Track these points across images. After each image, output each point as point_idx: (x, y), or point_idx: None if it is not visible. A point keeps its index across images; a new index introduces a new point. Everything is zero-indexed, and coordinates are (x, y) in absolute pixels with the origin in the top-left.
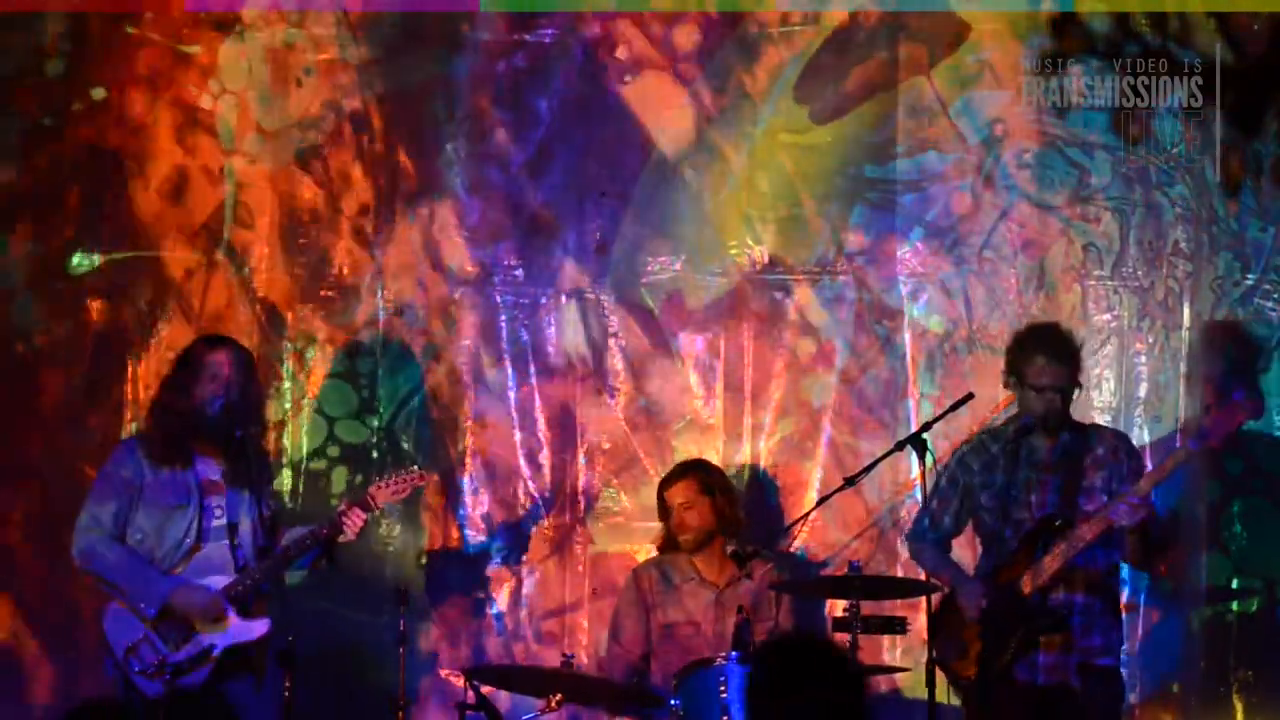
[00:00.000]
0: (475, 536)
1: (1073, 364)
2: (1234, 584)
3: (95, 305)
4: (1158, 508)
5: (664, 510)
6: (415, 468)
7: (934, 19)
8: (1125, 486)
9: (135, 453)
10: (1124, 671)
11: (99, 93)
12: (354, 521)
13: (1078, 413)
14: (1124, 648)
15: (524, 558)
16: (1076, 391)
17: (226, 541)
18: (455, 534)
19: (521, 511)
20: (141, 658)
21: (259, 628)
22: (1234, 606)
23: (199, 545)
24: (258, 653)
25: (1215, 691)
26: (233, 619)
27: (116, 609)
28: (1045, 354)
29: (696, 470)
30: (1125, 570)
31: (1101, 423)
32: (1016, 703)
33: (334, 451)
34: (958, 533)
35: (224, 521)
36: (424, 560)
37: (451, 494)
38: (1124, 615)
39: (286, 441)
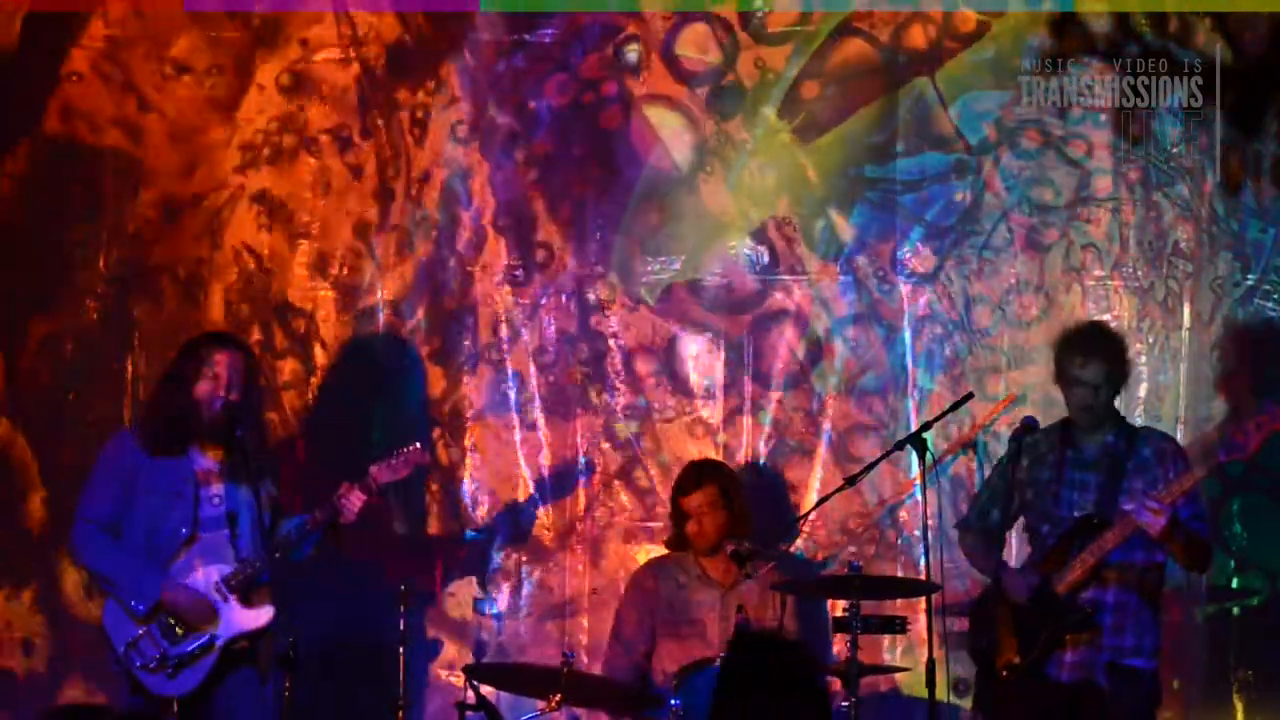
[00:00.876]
0: (475, 537)
1: (1108, 361)
2: (1234, 583)
3: (94, 305)
4: (1201, 507)
5: (680, 515)
6: (416, 444)
7: (934, 19)
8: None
9: (131, 442)
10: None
11: (100, 92)
12: (353, 502)
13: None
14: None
15: (524, 558)
16: (1116, 390)
17: (226, 531)
18: (456, 534)
19: (522, 512)
20: (142, 652)
21: (263, 616)
22: (1234, 606)
23: (196, 534)
24: (262, 645)
25: (1215, 689)
26: (235, 608)
27: (114, 604)
28: (1080, 351)
29: (715, 477)
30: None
31: None
32: (1040, 699)
33: (334, 450)
34: (1007, 526)
35: (222, 510)
36: (425, 560)
37: (452, 494)
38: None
39: (283, 436)
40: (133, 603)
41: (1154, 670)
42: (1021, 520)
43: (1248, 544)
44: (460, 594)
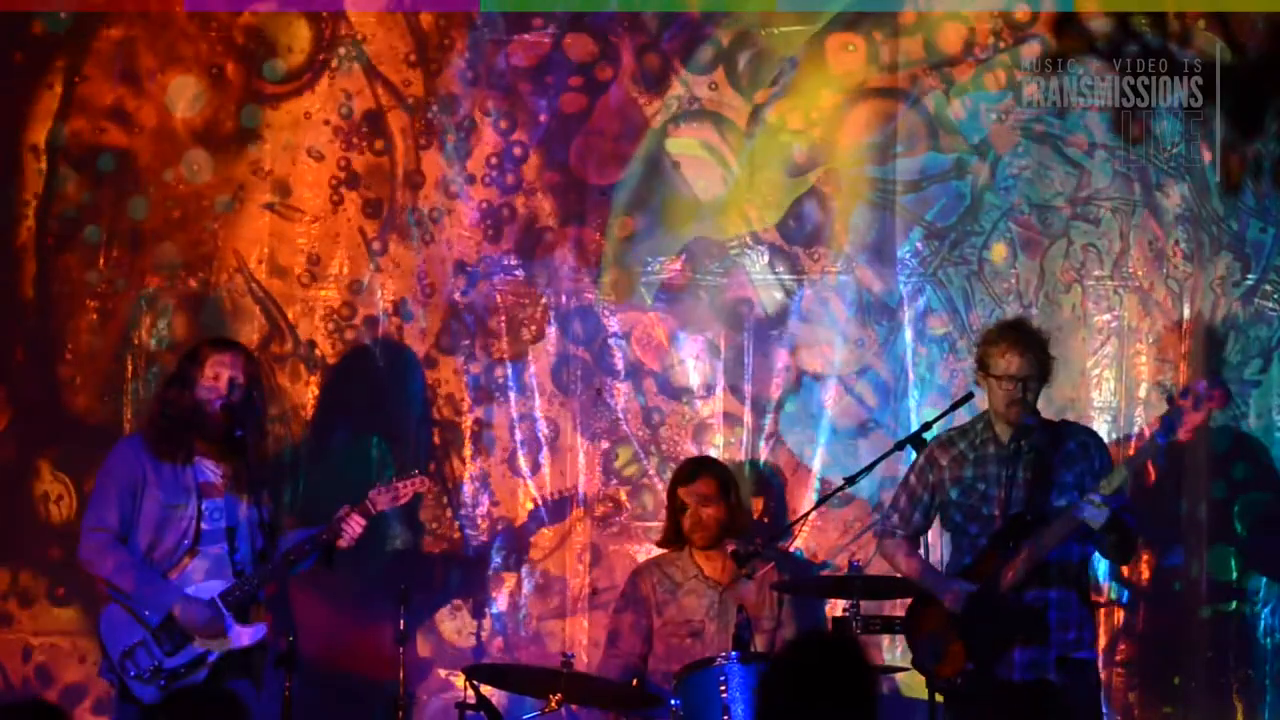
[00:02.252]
0: (475, 536)
1: (1034, 355)
2: (1236, 584)
3: (94, 305)
4: (1128, 499)
5: (677, 506)
6: (416, 473)
7: (934, 19)
8: (1093, 483)
9: (136, 448)
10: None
11: (101, 92)
12: (352, 527)
13: (1078, 412)
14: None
15: (524, 558)
16: (1042, 385)
17: (225, 545)
18: (456, 534)
19: (522, 511)
20: (137, 662)
21: (255, 633)
22: (1233, 605)
23: (195, 548)
24: (257, 657)
25: (1216, 684)
26: (230, 625)
27: (111, 612)
28: (1005, 343)
29: (713, 468)
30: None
31: (1101, 422)
32: (996, 700)
33: (334, 452)
34: (926, 528)
35: (221, 525)
36: (424, 560)
37: (452, 494)
38: (1107, 608)
39: (286, 442)
40: (146, 613)
41: (1095, 660)
42: (938, 521)
43: (1249, 544)
44: (461, 594)
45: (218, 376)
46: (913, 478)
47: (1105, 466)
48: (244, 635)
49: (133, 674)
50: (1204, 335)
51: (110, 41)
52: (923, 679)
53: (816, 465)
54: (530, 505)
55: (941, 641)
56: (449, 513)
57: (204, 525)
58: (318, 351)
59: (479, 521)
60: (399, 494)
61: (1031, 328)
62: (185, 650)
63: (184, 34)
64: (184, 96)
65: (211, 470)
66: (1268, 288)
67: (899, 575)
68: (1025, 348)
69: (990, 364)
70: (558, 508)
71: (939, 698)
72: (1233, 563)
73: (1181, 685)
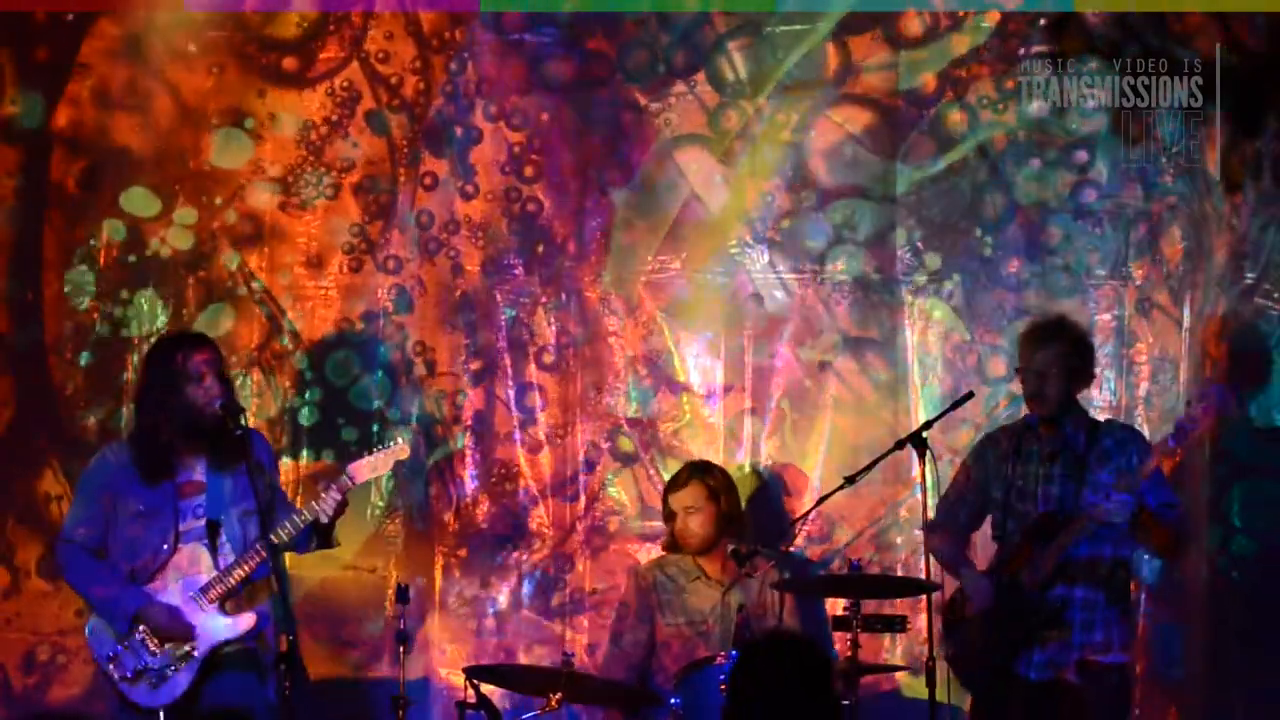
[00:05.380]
0: (476, 535)
1: (1060, 350)
2: (1234, 578)
3: (94, 305)
4: (1170, 495)
5: (669, 514)
6: (396, 440)
7: (934, 19)
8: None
9: (118, 458)
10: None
11: (103, 90)
12: (327, 503)
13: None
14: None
15: (524, 557)
16: (1073, 384)
17: (206, 542)
18: (456, 533)
19: (522, 510)
20: (122, 665)
21: (242, 623)
22: (1231, 603)
23: (178, 547)
24: (261, 649)
25: (1215, 680)
26: (213, 617)
27: (96, 620)
28: (1034, 336)
29: (701, 474)
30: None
31: None
32: (1013, 698)
33: (334, 449)
34: (974, 527)
35: (201, 522)
36: (424, 559)
37: (452, 492)
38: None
39: (285, 438)
40: (110, 621)
41: (1125, 664)
42: (990, 519)
43: (1245, 537)
44: (461, 593)
45: (204, 377)
46: (960, 475)
47: (1144, 462)
48: (229, 627)
49: (119, 676)
50: (1236, 337)
51: (113, 37)
52: (923, 679)
53: (817, 464)
54: (530, 504)
55: (972, 637)
56: (449, 511)
57: (183, 525)
58: (317, 349)
59: (479, 520)
60: (377, 463)
61: (1062, 323)
62: (169, 648)
63: (187, 30)
64: (186, 94)
65: (192, 467)
66: (1268, 286)
67: (930, 571)
68: (1046, 343)
69: (1020, 359)
70: (557, 507)
71: (942, 698)
72: (1230, 557)
73: (1183, 678)
